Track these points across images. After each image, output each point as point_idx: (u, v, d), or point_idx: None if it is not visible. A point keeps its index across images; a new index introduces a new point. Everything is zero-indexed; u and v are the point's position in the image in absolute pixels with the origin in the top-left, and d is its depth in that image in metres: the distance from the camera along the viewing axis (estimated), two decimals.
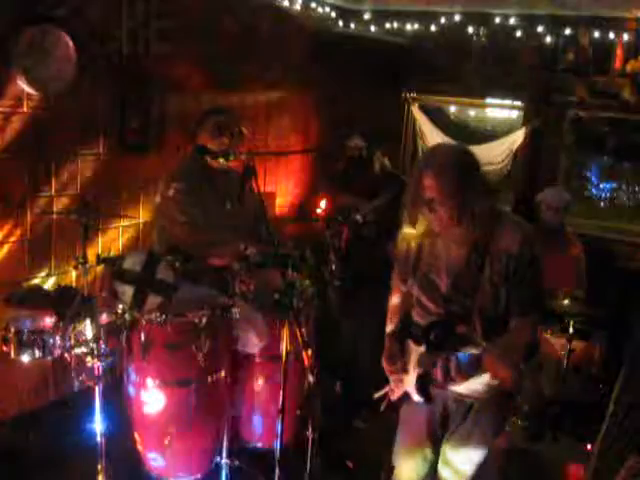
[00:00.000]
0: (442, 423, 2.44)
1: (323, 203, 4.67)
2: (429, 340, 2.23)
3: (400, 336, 2.46)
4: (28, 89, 3.18)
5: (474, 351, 2.12)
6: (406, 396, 2.43)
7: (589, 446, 3.07)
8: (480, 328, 2.25)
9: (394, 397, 2.47)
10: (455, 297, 2.28)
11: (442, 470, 2.46)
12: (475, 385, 2.28)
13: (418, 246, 2.37)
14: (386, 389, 2.49)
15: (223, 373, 2.79)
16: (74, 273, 3.49)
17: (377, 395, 2.54)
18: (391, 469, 2.60)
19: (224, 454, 2.95)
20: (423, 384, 2.30)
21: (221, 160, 2.87)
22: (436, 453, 2.48)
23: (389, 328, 2.54)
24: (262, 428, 3.07)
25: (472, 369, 2.12)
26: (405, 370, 2.40)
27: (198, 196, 3.00)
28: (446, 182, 2.15)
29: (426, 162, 2.24)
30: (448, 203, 2.16)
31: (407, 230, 2.39)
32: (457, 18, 4.90)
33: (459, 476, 2.42)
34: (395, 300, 2.57)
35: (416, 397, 2.34)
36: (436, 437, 2.45)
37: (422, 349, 2.26)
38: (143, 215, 3.98)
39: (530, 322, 2.29)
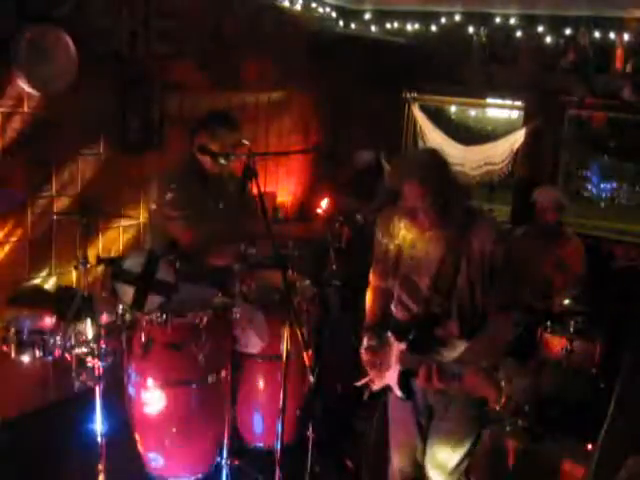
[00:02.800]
0: (426, 413, 2.47)
1: (324, 203, 4.66)
2: (409, 340, 2.29)
3: (380, 330, 2.49)
4: (28, 89, 3.18)
5: (453, 355, 2.19)
6: (389, 388, 2.46)
7: (589, 446, 3.07)
8: (458, 328, 2.29)
9: (375, 388, 2.51)
10: (435, 298, 2.31)
11: (429, 467, 2.49)
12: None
13: (397, 247, 2.39)
14: (366, 379, 2.53)
15: (223, 373, 2.79)
16: (74, 273, 3.49)
17: (359, 384, 2.57)
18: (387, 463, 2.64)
19: (224, 454, 2.95)
20: (405, 380, 2.34)
21: (221, 160, 2.88)
22: (424, 441, 2.51)
23: (367, 322, 2.58)
24: (262, 428, 3.07)
25: (453, 380, 2.12)
26: (385, 364, 2.42)
27: (193, 197, 3.00)
28: (431, 186, 2.16)
29: (406, 172, 2.22)
30: (431, 208, 2.17)
31: (390, 229, 2.41)
32: (457, 18, 4.90)
33: (445, 473, 2.44)
34: (374, 295, 2.61)
35: (398, 392, 2.38)
36: (423, 426, 2.49)
37: (403, 347, 2.31)
38: (143, 215, 3.97)
39: (507, 319, 2.31)
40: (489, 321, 2.28)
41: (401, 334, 2.34)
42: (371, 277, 2.62)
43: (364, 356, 2.49)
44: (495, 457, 3.22)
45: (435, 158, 2.28)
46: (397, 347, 2.35)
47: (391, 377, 2.39)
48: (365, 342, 2.50)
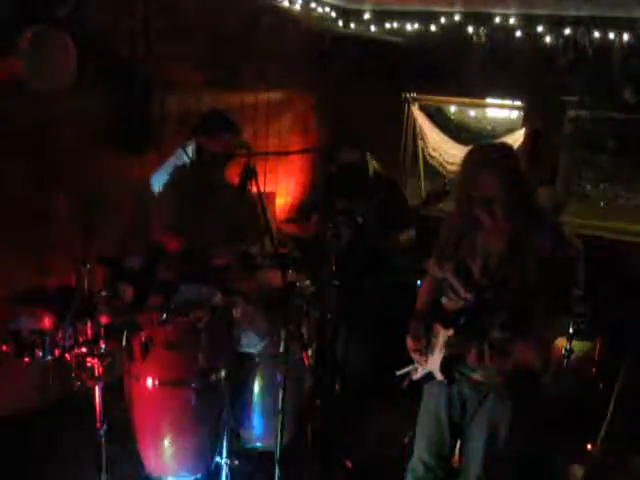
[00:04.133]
0: (460, 408, 2.51)
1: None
2: (459, 324, 2.34)
3: (428, 318, 2.53)
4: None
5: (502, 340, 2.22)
6: (428, 377, 2.51)
7: (589, 446, 3.07)
8: (506, 319, 2.30)
9: (416, 376, 2.55)
10: (486, 286, 2.36)
11: (467, 454, 2.53)
12: (493, 374, 2.35)
13: (460, 233, 2.45)
14: (410, 367, 2.57)
15: (223, 373, 2.79)
16: (74, 273, 3.48)
17: (399, 372, 2.61)
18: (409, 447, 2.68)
19: (224, 454, 2.95)
20: (448, 366, 2.40)
21: (221, 160, 2.87)
22: (453, 437, 2.56)
23: (417, 308, 2.62)
24: (262, 428, 3.07)
25: (504, 355, 2.21)
26: (429, 351, 2.46)
27: (187, 206, 2.97)
28: (507, 179, 2.22)
29: (482, 162, 2.29)
30: (506, 200, 2.22)
31: (455, 216, 2.46)
32: (457, 18, 4.90)
33: (482, 461, 2.46)
34: (427, 283, 2.67)
35: (439, 376, 2.43)
36: (454, 421, 2.54)
37: (450, 332, 2.36)
38: None
39: (555, 323, 2.36)
40: (538, 320, 2.30)
41: (450, 321, 2.39)
42: (429, 265, 2.66)
43: (409, 343, 2.52)
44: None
45: (515, 155, 2.35)
46: (444, 334, 2.40)
47: (434, 363, 2.44)
48: (411, 329, 2.54)
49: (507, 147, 2.45)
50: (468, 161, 2.34)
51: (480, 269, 2.38)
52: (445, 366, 2.41)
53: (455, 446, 2.62)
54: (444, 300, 2.53)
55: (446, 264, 2.50)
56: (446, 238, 2.52)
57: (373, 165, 4.19)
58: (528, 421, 2.52)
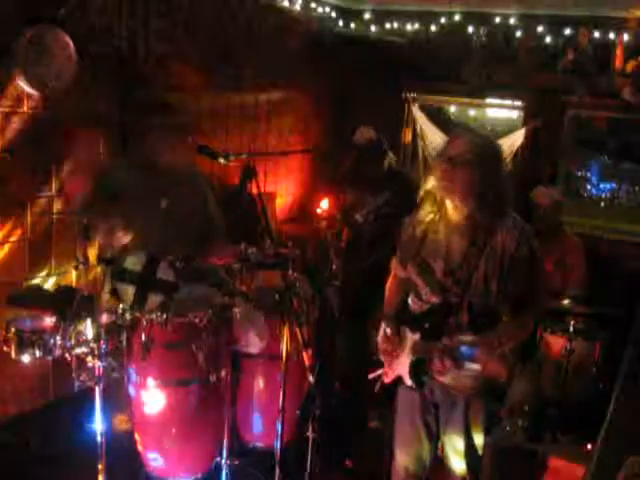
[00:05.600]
0: (434, 411, 2.50)
1: (324, 203, 4.66)
2: (424, 328, 2.32)
3: (396, 321, 2.51)
4: (28, 89, 3.18)
5: (466, 342, 2.21)
6: (399, 381, 2.50)
7: (589, 446, 3.06)
8: (468, 320, 2.31)
9: (387, 380, 2.54)
10: (449, 286, 2.33)
11: (448, 456, 2.53)
12: (463, 378, 2.33)
13: (422, 232, 2.41)
14: (380, 371, 2.56)
15: (223, 373, 2.79)
16: (74, 273, 3.49)
17: (372, 376, 2.60)
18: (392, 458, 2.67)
19: (224, 454, 2.95)
20: (416, 370, 2.38)
21: (222, 160, 2.87)
22: (430, 439, 2.54)
23: (385, 311, 2.59)
24: (262, 428, 3.07)
25: (467, 361, 2.19)
26: (399, 355, 2.45)
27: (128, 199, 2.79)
28: (481, 150, 2.23)
29: (467, 154, 2.26)
30: (472, 167, 2.20)
31: (420, 215, 2.43)
32: (457, 18, 4.90)
33: (464, 461, 2.47)
34: (392, 284, 2.63)
35: (409, 382, 2.42)
36: (429, 423, 2.52)
37: (417, 337, 2.35)
38: None
39: (524, 318, 2.35)
40: (504, 318, 2.32)
41: (416, 325, 2.38)
42: (392, 265, 2.63)
43: (380, 344, 2.51)
44: (495, 457, 3.22)
45: (498, 152, 2.35)
46: (411, 338, 2.39)
47: (403, 367, 2.43)
48: (382, 331, 2.53)
49: (493, 145, 2.42)
50: (447, 147, 2.34)
51: (442, 269, 2.34)
52: (413, 371, 2.38)
53: (434, 447, 2.59)
54: (410, 301, 2.50)
55: (408, 264, 2.46)
56: (408, 236, 2.47)
57: (390, 159, 4.15)
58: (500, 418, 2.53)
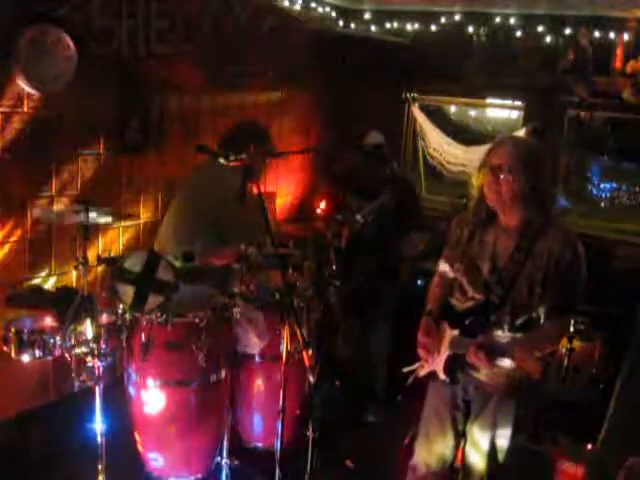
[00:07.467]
0: (464, 408, 2.52)
1: (323, 203, 4.65)
2: (464, 325, 2.36)
3: (438, 316, 2.54)
4: (28, 89, 3.18)
5: (505, 340, 2.26)
6: (432, 377, 2.52)
7: (589, 446, 3.06)
8: (510, 320, 2.34)
9: (422, 373, 2.56)
10: (494, 285, 2.37)
11: (470, 454, 2.53)
12: (497, 375, 2.36)
13: (470, 232, 2.46)
14: (416, 365, 2.58)
15: (223, 373, 2.79)
16: (74, 273, 3.49)
17: (406, 369, 2.62)
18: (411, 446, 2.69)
19: (224, 454, 2.95)
20: (452, 365, 2.40)
21: (222, 160, 2.87)
22: (456, 437, 2.56)
23: (428, 307, 2.62)
24: (262, 428, 3.07)
25: (501, 356, 2.22)
26: (435, 350, 2.47)
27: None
28: (526, 156, 2.28)
29: (507, 139, 2.40)
30: (518, 174, 2.25)
31: (468, 216, 2.49)
32: (457, 18, 4.90)
33: (486, 461, 2.47)
34: (437, 282, 2.67)
35: (442, 376, 2.44)
36: (457, 421, 2.54)
37: (455, 332, 2.39)
38: (143, 215, 3.97)
39: (560, 323, 2.42)
40: (543, 320, 2.35)
41: (456, 322, 2.40)
42: (439, 264, 2.67)
43: (419, 338, 2.53)
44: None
45: (543, 152, 2.42)
46: (450, 333, 2.41)
47: (438, 362, 2.45)
48: (422, 326, 2.55)
49: (537, 145, 2.55)
50: (492, 150, 2.38)
51: (489, 269, 2.39)
52: (449, 366, 2.41)
53: (457, 446, 2.61)
54: (453, 300, 2.54)
55: (456, 264, 2.52)
56: (456, 238, 2.53)
57: (391, 166, 4.16)
58: (530, 423, 2.53)
